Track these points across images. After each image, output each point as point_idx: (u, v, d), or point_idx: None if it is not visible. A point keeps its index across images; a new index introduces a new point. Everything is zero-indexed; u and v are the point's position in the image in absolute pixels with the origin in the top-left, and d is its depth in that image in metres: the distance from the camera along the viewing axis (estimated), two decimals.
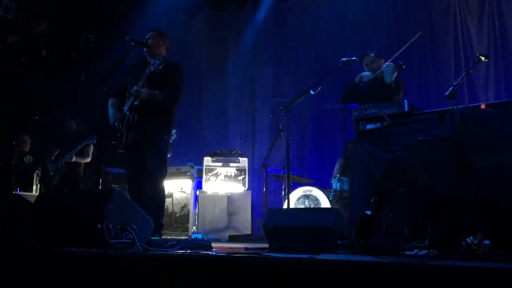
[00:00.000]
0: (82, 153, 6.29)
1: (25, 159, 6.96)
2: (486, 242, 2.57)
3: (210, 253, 2.93)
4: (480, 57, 3.56)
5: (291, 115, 4.36)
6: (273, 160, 6.67)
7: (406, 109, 3.75)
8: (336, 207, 5.47)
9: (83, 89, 7.92)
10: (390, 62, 4.39)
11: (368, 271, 1.69)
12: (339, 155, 6.47)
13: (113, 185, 6.98)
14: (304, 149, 7.25)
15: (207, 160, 6.48)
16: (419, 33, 4.49)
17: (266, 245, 3.42)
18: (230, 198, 6.31)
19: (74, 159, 6.20)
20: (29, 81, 7.75)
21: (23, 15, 7.30)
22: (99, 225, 2.65)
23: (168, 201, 6.23)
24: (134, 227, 2.83)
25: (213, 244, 3.89)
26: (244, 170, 6.52)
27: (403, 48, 4.42)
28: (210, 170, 6.46)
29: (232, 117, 8.05)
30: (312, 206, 5.77)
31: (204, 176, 6.43)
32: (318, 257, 2.27)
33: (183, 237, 5.77)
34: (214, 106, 8.25)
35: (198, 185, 6.48)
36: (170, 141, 5.35)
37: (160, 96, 3.97)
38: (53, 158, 6.33)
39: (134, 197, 3.73)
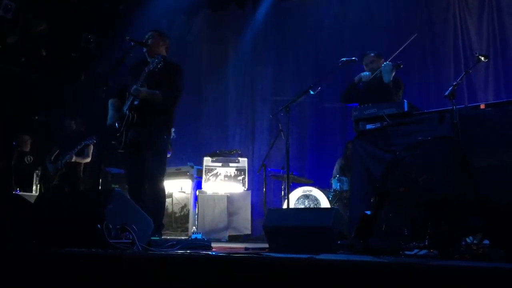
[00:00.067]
0: (82, 153, 6.29)
1: (25, 159, 6.96)
2: (486, 242, 2.57)
3: (210, 253, 2.92)
4: (480, 57, 3.56)
5: (291, 115, 4.37)
6: (273, 160, 6.67)
7: (405, 109, 3.75)
8: (336, 207, 5.47)
9: (83, 89, 7.92)
10: (389, 62, 4.40)
11: (368, 271, 1.69)
12: (339, 155, 6.47)
13: (113, 185, 6.98)
14: (304, 149, 7.25)
15: (207, 160, 6.48)
16: (415, 34, 4.49)
17: (266, 245, 3.42)
18: (230, 198, 6.31)
19: (74, 159, 6.20)
20: (29, 81, 7.75)
21: (23, 15, 7.30)
22: (99, 225, 2.65)
23: (168, 201, 6.23)
24: (134, 227, 2.83)
25: (213, 244, 3.89)
26: (244, 170, 6.53)
27: (400, 49, 4.44)
28: (210, 170, 6.46)
29: (232, 117, 8.06)
30: (312, 206, 5.77)
31: (204, 176, 6.43)
32: (318, 257, 2.27)
33: (183, 237, 5.78)
34: (214, 106, 8.25)
35: (198, 185, 6.48)
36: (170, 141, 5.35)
37: (160, 95, 3.96)
38: (53, 158, 6.33)
39: (134, 197, 3.73)
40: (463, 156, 2.79)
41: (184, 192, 6.54)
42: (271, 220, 3.48)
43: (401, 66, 4.27)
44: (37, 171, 6.95)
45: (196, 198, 6.36)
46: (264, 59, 7.93)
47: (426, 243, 2.49)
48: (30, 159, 6.98)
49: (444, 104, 3.69)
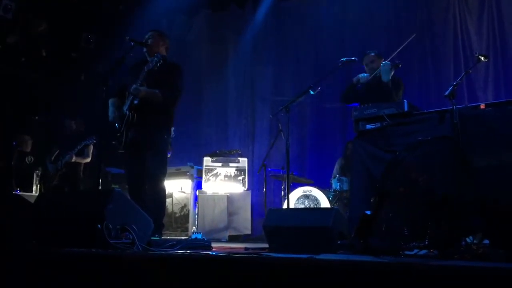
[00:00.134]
0: (82, 153, 6.29)
1: (26, 159, 6.96)
2: (486, 242, 2.57)
3: (210, 253, 2.93)
4: (480, 57, 3.57)
5: (291, 115, 4.37)
6: (273, 160, 6.67)
7: (405, 109, 3.75)
8: (336, 207, 5.47)
9: (83, 89, 7.92)
10: (387, 61, 4.41)
11: (368, 271, 1.69)
12: (339, 155, 6.47)
13: (113, 185, 6.98)
14: (304, 149, 7.25)
15: (207, 160, 6.48)
16: (414, 35, 4.49)
17: (266, 245, 3.42)
18: (230, 198, 6.31)
19: (74, 159, 6.20)
20: (29, 81, 7.75)
21: (23, 15, 7.30)
22: (99, 225, 2.65)
23: (168, 201, 6.22)
24: (134, 227, 2.83)
25: (213, 244, 3.89)
26: (243, 170, 6.53)
27: (399, 49, 4.44)
28: (209, 170, 6.46)
29: (232, 117, 8.06)
30: (311, 206, 5.77)
31: (203, 176, 6.43)
32: (318, 257, 2.27)
33: (183, 237, 5.78)
34: (214, 106, 8.25)
35: (198, 185, 6.48)
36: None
37: (159, 95, 3.96)
38: (53, 158, 6.33)
39: (134, 197, 3.73)
40: (463, 156, 2.79)
41: (184, 192, 6.54)
42: (271, 220, 3.48)
43: (400, 65, 4.28)
44: (37, 171, 6.95)
45: (196, 198, 6.36)
46: (264, 59, 7.93)
47: (426, 243, 2.49)
48: (31, 159, 6.98)
49: (444, 104, 3.70)
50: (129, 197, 3.48)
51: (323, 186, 6.10)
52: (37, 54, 7.77)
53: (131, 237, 2.78)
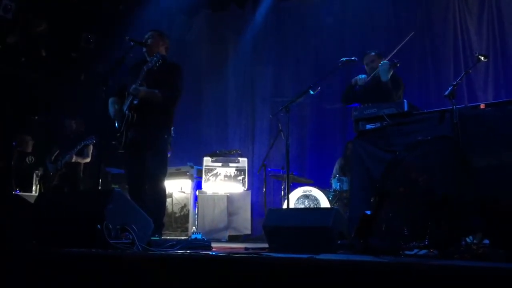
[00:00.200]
0: (82, 153, 6.29)
1: (27, 159, 6.96)
2: (486, 242, 2.57)
3: (210, 253, 2.93)
4: (480, 57, 3.56)
5: (290, 115, 4.37)
6: (272, 160, 6.67)
7: (405, 109, 3.75)
8: (336, 207, 5.47)
9: (83, 89, 7.91)
10: (386, 61, 4.41)
11: (368, 271, 1.69)
12: (339, 155, 6.47)
13: (113, 185, 6.97)
14: (303, 149, 7.25)
15: (207, 160, 6.48)
16: (412, 33, 4.49)
17: (266, 245, 3.42)
18: (229, 198, 6.31)
19: (74, 159, 6.20)
20: (29, 81, 7.75)
21: (23, 15, 7.29)
22: (99, 225, 2.65)
23: (168, 201, 6.21)
24: (134, 227, 2.83)
25: (213, 244, 3.89)
26: (243, 170, 6.53)
27: (397, 48, 4.45)
28: (209, 170, 6.46)
29: (232, 117, 8.06)
30: (311, 206, 5.77)
31: (203, 176, 6.43)
32: (318, 257, 2.27)
33: (183, 237, 5.78)
34: (214, 106, 8.25)
35: (198, 185, 6.48)
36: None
37: (159, 95, 3.96)
38: (53, 158, 6.33)
39: (134, 197, 3.73)
40: (463, 156, 2.79)
41: (184, 192, 6.54)
42: (271, 220, 3.48)
43: (398, 64, 4.29)
44: (37, 171, 6.95)
45: (196, 198, 6.36)
46: (264, 59, 7.94)
47: (426, 243, 2.49)
48: (32, 159, 6.98)
49: (444, 104, 3.69)
50: (129, 197, 3.48)
51: (323, 186, 6.10)
52: (37, 54, 7.77)
53: (131, 237, 2.78)
